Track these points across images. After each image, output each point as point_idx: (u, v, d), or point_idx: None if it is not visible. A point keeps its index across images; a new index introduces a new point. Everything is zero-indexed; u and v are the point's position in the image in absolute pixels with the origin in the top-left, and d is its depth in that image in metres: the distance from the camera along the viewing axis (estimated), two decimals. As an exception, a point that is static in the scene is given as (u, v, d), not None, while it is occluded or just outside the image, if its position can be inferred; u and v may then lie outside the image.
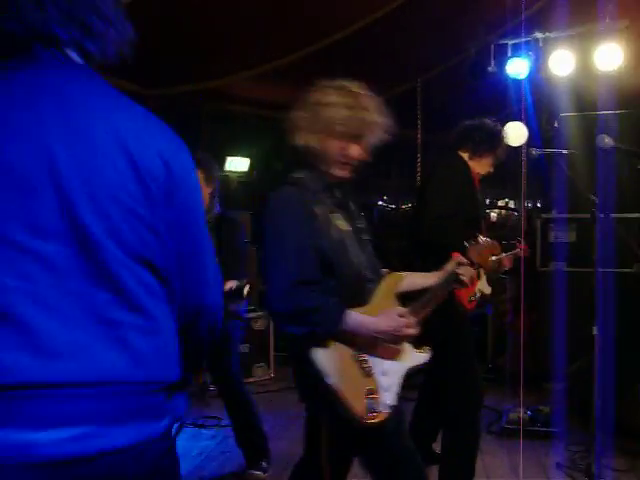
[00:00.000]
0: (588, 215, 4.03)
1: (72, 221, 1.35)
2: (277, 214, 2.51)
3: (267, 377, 6.67)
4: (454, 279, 2.77)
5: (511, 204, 10.68)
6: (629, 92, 6.03)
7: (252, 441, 4.43)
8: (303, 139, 2.55)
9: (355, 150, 2.57)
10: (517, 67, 6.35)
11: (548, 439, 4.87)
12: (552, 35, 6.30)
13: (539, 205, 7.19)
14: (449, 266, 2.77)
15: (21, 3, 1.35)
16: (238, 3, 6.19)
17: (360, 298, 2.49)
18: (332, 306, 2.37)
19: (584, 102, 6.13)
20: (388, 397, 2.40)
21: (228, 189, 9.02)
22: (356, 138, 2.55)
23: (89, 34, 1.44)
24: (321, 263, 2.41)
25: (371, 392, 2.36)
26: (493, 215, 11.56)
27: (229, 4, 6.19)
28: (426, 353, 2.60)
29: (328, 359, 2.32)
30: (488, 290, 3.87)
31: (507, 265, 3.95)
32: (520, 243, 4.19)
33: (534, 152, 4.28)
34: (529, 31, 6.35)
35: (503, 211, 11.60)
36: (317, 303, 2.35)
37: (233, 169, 9.05)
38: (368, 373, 2.40)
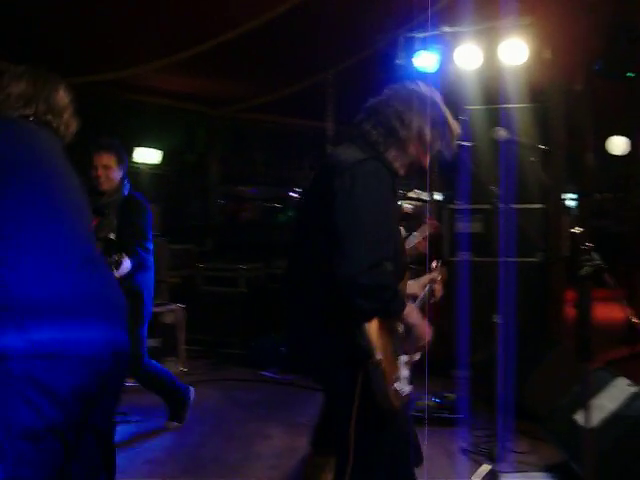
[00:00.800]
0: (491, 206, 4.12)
1: None
2: (369, 186, 2.49)
3: (178, 371, 6.58)
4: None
5: (424, 196, 10.82)
6: (533, 86, 6.19)
7: (173, 399, 5.09)
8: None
9: (426, 161, 2.76)
10: (426, 60, 6.44)
11: (454, 425, 4.96)
12: (460, 29, 6.41)
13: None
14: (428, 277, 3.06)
15: None
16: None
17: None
18: (398, 288, 2.54)
19: (490, 95, 6.26)
20: (406, 385, 2.58)
21: (138, 181, 8.87)
22: (432, 151, 2.73)
23: None
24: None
25: (397, 378, 2.53)
26: (407, 206, 11.68)
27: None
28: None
29: (379, 336, 2.43)
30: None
31: (421, 249, 3.98)
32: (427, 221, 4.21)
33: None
34: (438, 25, 6.45)
35: (418, 203, 11.73)
36: (393, 282, 2.49)
37: (144, 160, 8.89)
38: (397, 360, 2.58)
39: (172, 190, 9.40)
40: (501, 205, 4.10)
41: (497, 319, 4.01)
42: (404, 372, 2.61)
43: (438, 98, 2.73)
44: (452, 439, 4.73)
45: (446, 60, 6.40)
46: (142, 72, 7.65)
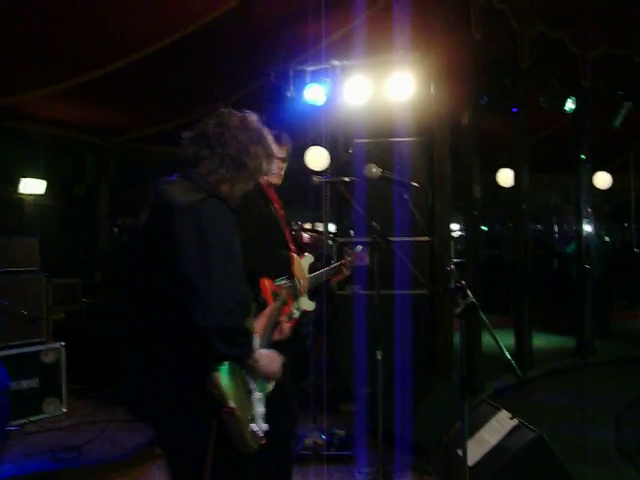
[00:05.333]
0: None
1: None
2: (215, 227, 2.41)
3: (59, 413, 6.28)
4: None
5: (318, 226, 10.87)
6: (419, 120, 6.29)
7: None
8: None
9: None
10: (315, 93, 6.47)
11: (343, 462, 4.89)
12: (349, 63, 6.47)
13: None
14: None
15: None
16: (33, 20, 5.89)
17: None
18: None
19: (378, 129, 6.33)
20: (262, 424, 2.54)
21: (22, 212, 8.53)
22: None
23: None
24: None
25: (253, 418, 2.49)
26: (306, 236, 11.74)
27: (23, 20, 5.88)
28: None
29: (229, 384, 2.38)
30: (310, 306, 3.74)
31: (333, 284, 3.92)
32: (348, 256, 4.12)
33: (317, 179, 4.31)
34: (328, 58, 6.50)
35: (314, 234, 11.80)
36: (248, 325, 2.48)
37: (28, 191, 8.55)
38: (250, 401, 2.53)
39: (59, 222, 9.08)
40: (383, 240, 4.09)
41: (379, 355, 3.97)
42: (259, 410, 2.56)
43: (261, 124, 2.70)
44: (341, 477, 4.66)
45: (336, 93, 6.45)
46: (27, 99, 7.39)
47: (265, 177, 3.45)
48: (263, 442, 2.49)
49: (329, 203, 6.49)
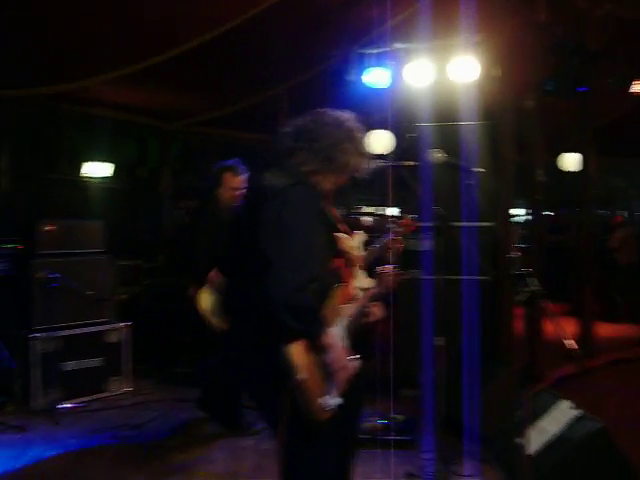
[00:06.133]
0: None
1: None
2: (297, 210, 2.64)
3: (123, 391, 6.43)
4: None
5: (381, 211, 10.82)
6: (483, 103, 6.19)
7: None
8: None
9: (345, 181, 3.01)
10: (378, 76, 6.44)
11: (402, 448, 4.88)
12: (412, 46, 6.41)
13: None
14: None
15: None
16: (97, 5, 5.97)
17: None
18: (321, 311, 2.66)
19: (441, 113, 6.24)
20: (335, 398, 2.67)
21: (87, 195, 8.69)
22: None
23: None
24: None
25: (325, 391, 2.64)
26: (368, 219, 11.68)
27: (87, 6, 5.95)
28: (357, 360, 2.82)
29: (301, 357, 2.56)
30: (370, 284, 3.73)
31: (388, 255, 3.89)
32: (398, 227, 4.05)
33: (380, 163, 4.28)
34: (390, 42, 6.44)
35: (376, 218, 11.73)
36: (317, 306, 2.63)
37: (93, 175, 8.70)
38: (323, 376, 2.65)
39: (123, 205, 9.22)
40: (441, 224, 4.05)
41: (440, 341, 3.93)
42: (333, 386, 2.68)
43: (358, 124, 2.93)
44: (399, 462, 4.65)
45: (397, 77, 6.39)
46: (92, 84, 7.50)
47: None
48: (332, 414, 2.65)
49: (392, 188, 6.45)
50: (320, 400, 2.61)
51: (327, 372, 2.67)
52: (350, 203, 8.05)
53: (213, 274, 5.06)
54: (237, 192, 5.44)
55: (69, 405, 6.07)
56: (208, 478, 4.65)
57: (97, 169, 8.69)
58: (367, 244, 3.74)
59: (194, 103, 8.76)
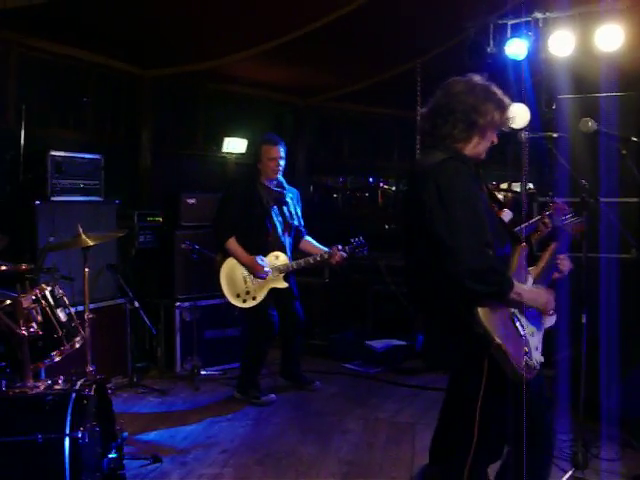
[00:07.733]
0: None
1: None
2: (453, 185, 2.69)
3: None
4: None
5: (514, 187, 10.54)
6: (629, 74, 5.89)
7: None
8: None
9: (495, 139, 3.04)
10: (516, 47, 6.25)
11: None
12: (552, 15, 6.19)
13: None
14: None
15: None
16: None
17: None
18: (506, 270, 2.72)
19: (583, 83, 6.00)
20: (537, 355, 2.77)
21: (225, 170, 8.93)
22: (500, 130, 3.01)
23: None
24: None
25: (525, 351, 2.67)
26: (500, 197, 11.43)
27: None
28: (554, 316, 2.97)
29: (494, 320, 2.58)
30: None
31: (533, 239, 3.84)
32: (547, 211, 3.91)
33: (523, 135, 4.17)
34: (529, 11, 6.24)
35: (509, 194, 11.45)
36: (499, 265, 2.67)
37: (231, 150, 8.93)
38: (521, 334, 2.70)
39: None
40: (594, 200, 3.90)
41: (583, 319, 3.82)
42: (533, 342, 2.75)
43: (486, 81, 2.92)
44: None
45: (538, 47, 6.19)
46: (229, 62, 7.68)
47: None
48: (535, 372, 2.70)
49: (528, 162, 6.28)
50: (526, 358, 2.62)
51: (521, 328, 2.70)
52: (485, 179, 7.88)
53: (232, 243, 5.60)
54: (275, 162, 5.80)
55: (208, 372, 6.36)
56: (343, 446, 4.75)
57: (235, 145, 8.89)
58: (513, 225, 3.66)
59: (329, 79, 8.79)
